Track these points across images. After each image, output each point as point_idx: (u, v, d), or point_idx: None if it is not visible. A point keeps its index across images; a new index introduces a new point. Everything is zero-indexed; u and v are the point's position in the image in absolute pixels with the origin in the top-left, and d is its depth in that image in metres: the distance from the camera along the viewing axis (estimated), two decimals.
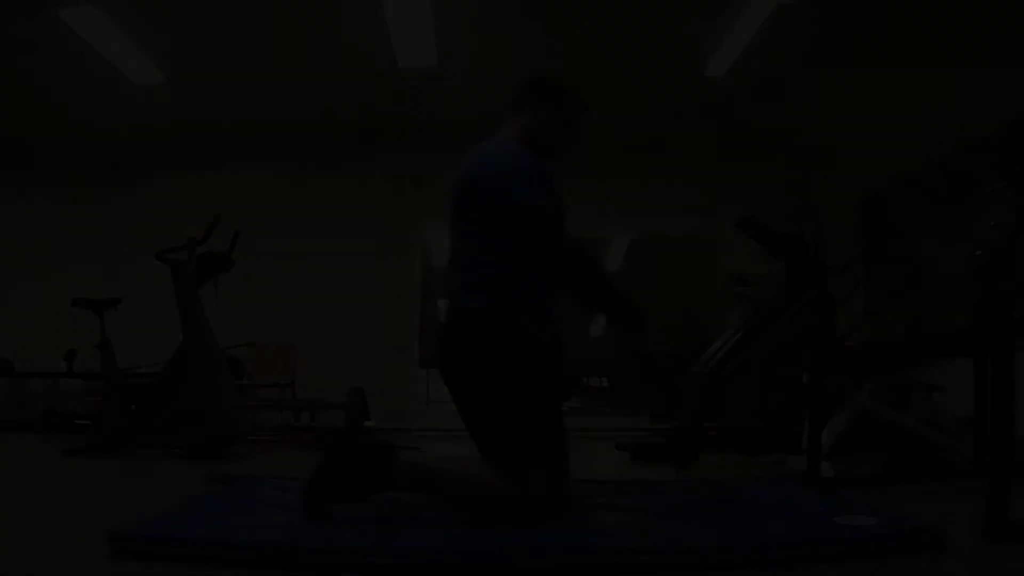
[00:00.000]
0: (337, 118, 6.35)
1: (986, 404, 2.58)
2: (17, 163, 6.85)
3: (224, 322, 4.63)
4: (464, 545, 1.44)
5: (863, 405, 2.98)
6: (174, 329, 3.86)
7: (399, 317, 6.39)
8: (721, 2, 4.51)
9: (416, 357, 6.26)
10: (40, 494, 2.51)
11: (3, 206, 7.02)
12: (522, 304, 1.80)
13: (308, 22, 4.75)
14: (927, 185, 5.47)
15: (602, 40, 5.00)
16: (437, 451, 3.66)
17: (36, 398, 6.55)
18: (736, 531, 1.59)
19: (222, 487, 2.27)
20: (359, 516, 1.69)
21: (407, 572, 1.37)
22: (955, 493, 2.48)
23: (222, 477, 2.56)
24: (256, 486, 2.18)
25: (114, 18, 4.55)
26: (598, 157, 6.10)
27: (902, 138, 5.82)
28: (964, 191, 5.05)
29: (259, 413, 5.12)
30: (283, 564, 1.37)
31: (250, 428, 3.93)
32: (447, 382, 1.86)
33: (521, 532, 1.53)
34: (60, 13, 4.40)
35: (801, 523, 1.68)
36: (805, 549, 1.45)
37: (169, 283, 3.92)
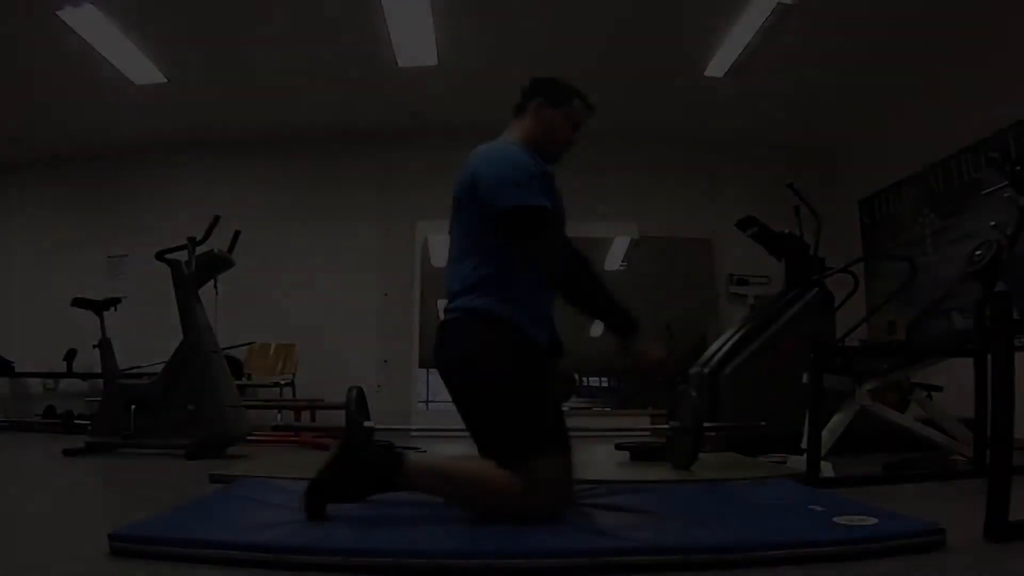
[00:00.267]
0: (337, 118, 6.35)
1: (986, 404, 2.58)
2: (17, 163, 6.86)
3: (224, 322, 4.65)
4: (464, 545, 1.44)
5: (863, 405, 2.97)
6: (174, 329, 3.86)
7: (399, 317, 6.39)
8: (721, 2, 4.52)
9: (416, 357, 6.26)
10: (40, 494, 2.52)
11: (3, 206, 7.02)
12: (520, 306, 1.80)
13: (308, 22, 4.75)
14: (927, 185, 5.47)
15: (602, 40, 5.00)
16: (437, 451, 3.66)
17: (36, 398, 6.56)
18: (736, 531, 1.59)
19: (222, 487, 2.27)
20: (359, 516, 1.69)
21: (407, 572, 1.37)
22: (955, 493, 2.48)
23: (222, 477, 2.57)
24: (256, 486, 2.18)
25: (114, 18, 4.55)
26: (598, 157, 6.12)
27: (902, 138, 5.82)
28: (964, 191, 5.05)
29: (259, 413, 5.12)
30: (282, 564, 1.37)
31: (250, 428, 3.93)
32: (446, 382, 1.86)
33: (521, 532, 1.54)
34: (60, 13, 4.40)
35: (801, 523, 1.68)
36: (805, 549, 1.44)
37: (169, 283, 3.92)
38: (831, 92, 5.64)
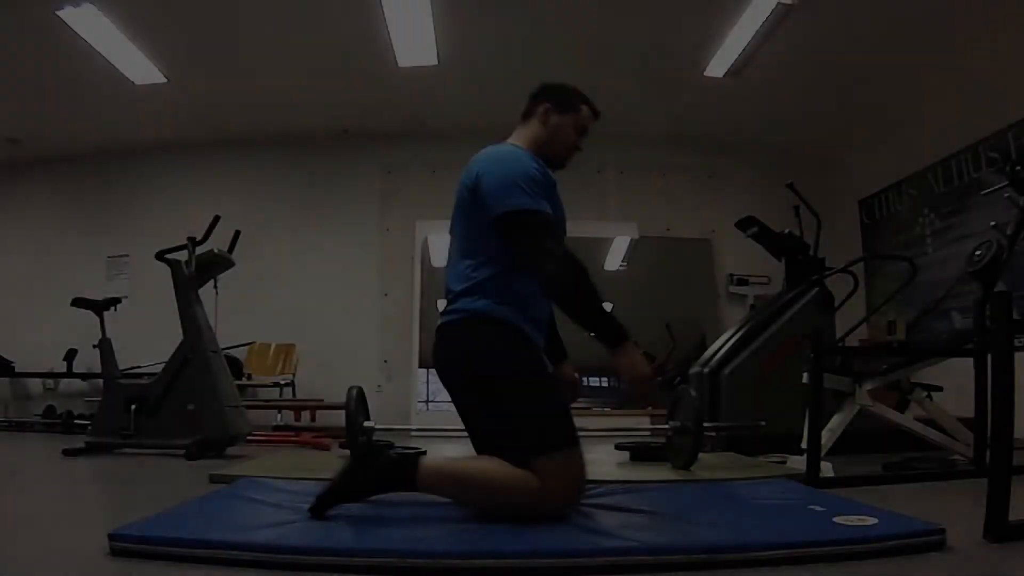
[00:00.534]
0: (337, 118, 6.35)
1: (986, 404, 2.58)
2: (17, 163, 6.86)
3: (224, 322, 4.65)
4: (464, 545, 1.44)
5: (863, 405, 2.97)
6: (174, 329, 3.86)
7: (399, 317, 6.39)
8: (721, 2, 4.51)
9: (416, 357, 6.26)
10: (40, 494, 2.52)
11: (4, 206, 7.02)
12: (519, 308, 1.80)
13: (308, 22, 4.75)
14: (927, 185, 5.47)
15: (602, 40, 5.00)
16: (437, 451, 3.66)
17: (36, 398, 6.56)
18: (736, 531, 1.59)
19: (222, 487, 2.27)
20: (359, 516, 1.69)
21: (407, 572, 1.37)
22: (955, 493, 2.48)
23: (222, 477, 2.57)
24: (256, 486, 2.17)
25: (114, 18, 4.55)
26: (598, 157, 6.13)
27: (902, 138, 5.83)
28: (964, 191, 5.05)
29: (259, 413, 5.12)
30: (282, 564, 1.37)
31: (250, 428, 3.93)
32: (448, 384, 1.86)
33: (521, 532, 1.54)
34: (60, 13, 4.40)
35: (801, 523, 1.68)
36: (805, 549, 1.44)
37: (169, 283, 3.92)
38: (831, 92, 5.64)
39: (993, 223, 3.13)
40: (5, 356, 6.44)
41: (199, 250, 3.93)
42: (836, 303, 4.12)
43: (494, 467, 1.69)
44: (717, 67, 5.26)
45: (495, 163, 1.83)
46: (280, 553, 1.39)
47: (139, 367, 5.35)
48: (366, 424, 2.87)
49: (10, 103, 5.74)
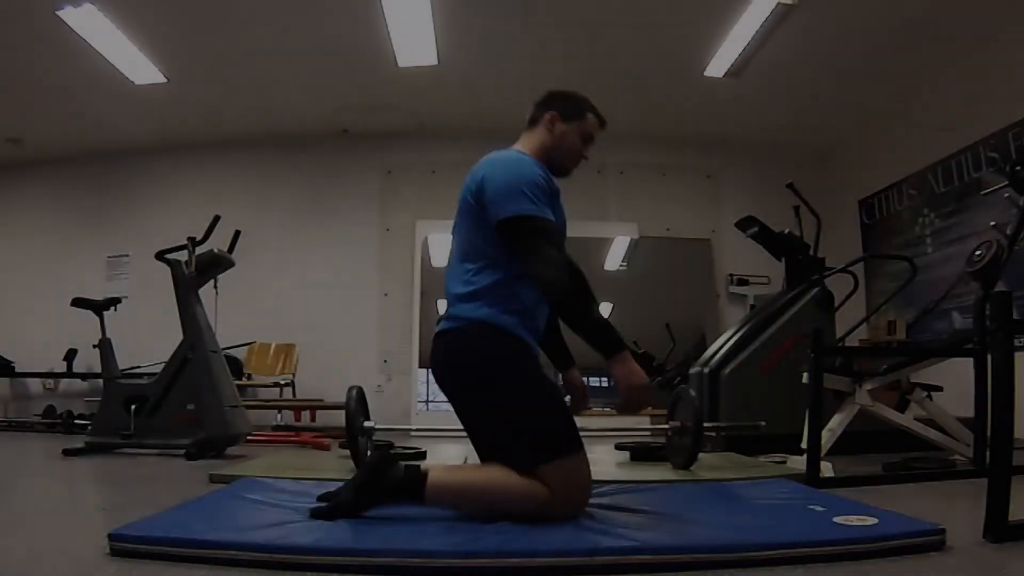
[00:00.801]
0: (337, 118, 6.35)
1: (986, 404, 2.58)
2: (17, 163, 6.86)
3: (224, 322, 4.65)
4: (464, 544, 1.44)
5: (863, 405, 2.97)
6: (174, 329, 3.87)
7: (399, 317, 6.40)
8: (721, 2, 4.51)
9: (416, 357, 6.26)
10: (40, 494, 2.52)
11: (4, 206, 7.03)
12: (521, 317, 1.80)
13: (308, 22, 4.75)
14: (927, 185, 5.47)
15: (602, 40, 5.00)
16: (437, 451, 3.66)
17: (36, 398, 6.57)
18: (736, 531, 1.59)
19: (222, 487, 2.27)
20: (359, 516, 1.69)
21: (407, 572, 1.37)
22: (955, 493, 2.48)
23: (222, 477, 2.57)
24: (256, 486, 2.18)
25: (114, 18, 4.55)
26: (598, 157, 6.12)
27: (902, 138, 5.83)
28: (964, 191, 5.05)
29: (259, 413, 5.12)
30: (282, 564, 1.37)
31: (250, 428, 3.93)
32: (450, 392, 1.84)
33: (521, 531, 1.54)
34: (60, 13, 4.40)
35: (801, 523, 1.68)
36: (805, 549, 1.44)
37: (169, 283, 3.92)
38: (831, 92, 5.64)
39: (993, 223, 3.14)
40: (5, 356, 6.45)
41: (199, 250, 3.93)
42: (836, 303, 4.12)
43: (501, 478, 1.69)
44: (717, 67, 5.26)
45: (500, 168, 1.82)
46: (280, 553, 1.39)
47: (139, 367, 5.35)
48: (366, 424, 2.87)
49: (10, 103, 5.74)
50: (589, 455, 1.75)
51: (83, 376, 6.26)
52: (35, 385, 6.64)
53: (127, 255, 6.59)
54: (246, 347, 6.16)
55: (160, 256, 3.93)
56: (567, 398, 2.04)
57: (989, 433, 1.91)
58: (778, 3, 4.38)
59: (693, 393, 2.88)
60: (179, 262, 3.93)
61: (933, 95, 5.37)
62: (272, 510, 1.80)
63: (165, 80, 5.40)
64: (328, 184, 6.72)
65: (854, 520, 1.63)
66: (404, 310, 6.40)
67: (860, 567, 1.39)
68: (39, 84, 5.42)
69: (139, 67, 5.18)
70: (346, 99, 6.00)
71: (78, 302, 4.20)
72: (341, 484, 1.77)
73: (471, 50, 5.15)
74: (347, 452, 2.88)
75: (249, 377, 6.04)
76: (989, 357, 1.82)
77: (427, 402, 6.26)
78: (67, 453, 3.65)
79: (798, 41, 4.82)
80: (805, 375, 2.71)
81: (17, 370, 6.46)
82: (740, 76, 5.34)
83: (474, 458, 1.92)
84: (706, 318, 6.47)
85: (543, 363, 1.88)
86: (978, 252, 2.95)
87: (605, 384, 6.99)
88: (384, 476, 1.70)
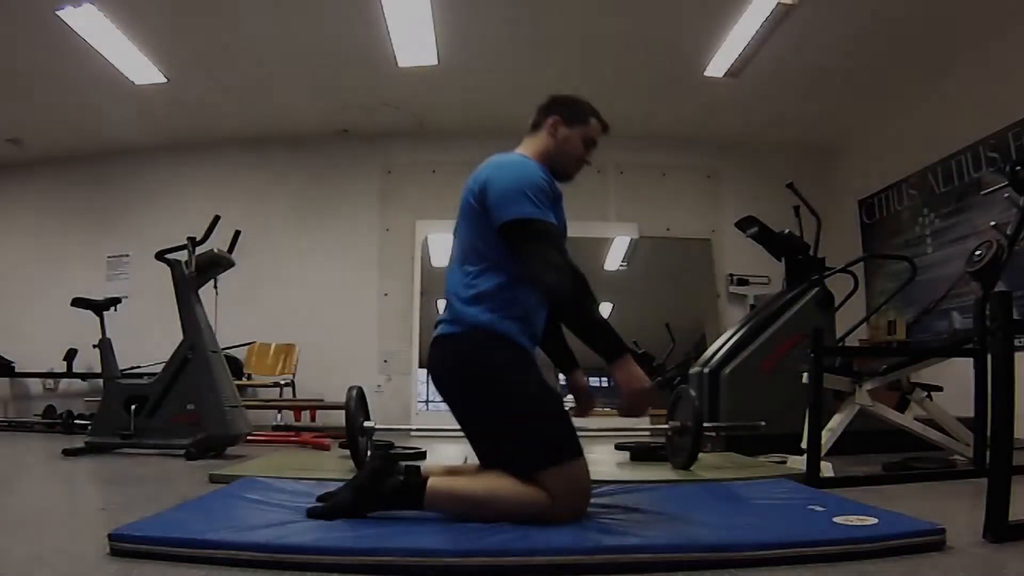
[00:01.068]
0: (337, 118, 6.36)
1: (986, 404, 2.58)
2: (17, 163, 6.86)
3: (224, 322, 4.65)
4: (464, 543, 1.44)
5: (863, 405, 2.97)
6: (174, 329, 3.87)
7: (399, 317, 6.40)
8: (721, 2, 4.51)
9: (416, 357, 6.26)
10: (40, 494, 2.52)
11: (4, 206, 7.03)
12: (521, 323, 1.80)
13: (308, 22, 4.75)
14: (927, 185, 5.47)
15: (602, 40, 5.00)
16: (437, 451, 3.66)
17: (36, 398, 6.57)
18: (736, 531, 1.59)
19: (222, 487, 2.27)
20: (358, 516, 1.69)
21: (407, 571, 1.37)
22: (955, 493, 2.48)
23: (222, 477, 2.57)
24: (256, 486, 2.18)
25: (114, 18, 4.55)
26: (598, 157, 6.12)
27: (902, 138, 5.83)
28: (964, 191, 5.06)
29: (259, 413, 5.12)
30: (282, 564, 1.37)
31: (250, 428, 3.93)
32: (444, 395, 1.84)
33: (521, 530, 1.54)
34: (60, 13, 4.40)
35: (801, 523, 1.68)
36: (805, 549, 1.44)
37: (169, 283, 3.92)
38: (831, 92, 5.64)
39: (993, 223, 3.14)
40: (5, 356, 6.45)
41: (199, 250, 3.93)
42: (836, 303, 4.12)
43: (501, 484, 1.69)
44: (717, 67, 5.25)
45: (503, 171, 1.81)
46: (280, 553, 1.39)
47: (139, 367, 5.35)
48: (366, 424, 2.87)
49: (10, 103, 5.75)
50: (589, 455, 1.75)
51: (83, 376, 6.26)
52: (35, 385, 6.64)
53: (127, 255, 6.59)
54: (246, 347, 6.16)
55: (160, 256, 3.93)
56: (571, 401, 2.04)
57: (989, 433, 1.91)
58: (778, 3, 4.38)
59: (693, 393, 2.88)
60: (179, 262, 3.92)
61: (933, 95, 5.37)
62: (272, 510, 1.80)
63: (165, 80, 5.40)
64: (328, 184, 6.72)
65: (854, 520, 1.63)
66: (404, 310, 6.40)
67: (860, 567, 1.39)
68: (39, 84, 5.42)
69: (139, 67, 5.18)
70: (346, 99, 6.00)
71: (78, 302, 4.20)
72: (341, 485, 1.77)
73: (471, 50, 5.15)
74: (347, 452, 2.88)
75: (249, 377, 6.04)
76: (989, 357, 1.82)
77: (427, 402, 6.26)
78: (67, 453, 3.65)
79: (798, 41, 4.82)
80: (805, 375, 2.71)
81: (17, 370, 6.46)
82: (740, 76, 5.33)
83: (474, 458, 1.92)
84: (706, 318, 6.47)
85: (543, 366, 1.87)
86: (978, 252, 2.95)
87: (605, 384, 7.00)
88: (383, 482, 1.70)
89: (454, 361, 1.82)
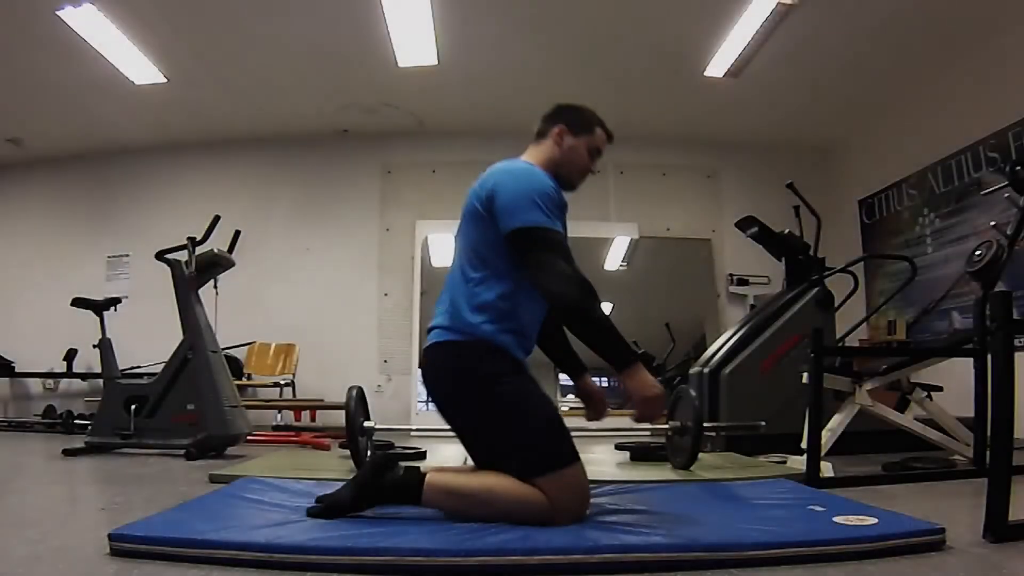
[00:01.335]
0: (337, 118, 6.36)
1: (986, 404, 2.58)
2: (17, 163, 6.86)
3: (224, 322, 4.65)
4: (464, 543, 1.44)
5: (863, 405, 2.97)
6: (174, 329, 3.87)
7: (399, 317, 6.40)
8: (721, 2, 4.51)
9: (416, 357, 6.26)
10: (40, 494, 2.51)
11: (4, 206, 7.03)
12: (518, 337, 1.80)
13: (308, 22, 4.75)
14: (927, 185, 5.47)
15: (602, 40, 5.00)
16: (437, 451, 3.66)
17: (36, 398, 6.57)
18: (736, 531, 1.59)
19: (222, 487, 2.27)
20: (358, 515, 1.69)
21: (406, 572, 1.37)
22: (955, 493, 2.48)
23: (222, 477, 2.57)
24: (256, 486, 2.18)
25: (114, 18, 4.55)
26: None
27: (902, 138, 5.83)
28: (964, 191, 5.06)
29: (259, 413, 5.13)
30: (282, 564, 1.37)
31: (250, 428, 3.93)
32: (438, 403, 1.84)
33: (521, 530, 1.54)
34: (60, 13, 4.40)
35: (801, 523, 1.68)
36: (805, 549, 1.45)
37: (169, 283, 3.92)
38: (831, 92, 5.64)
39: (993, 223, 3.14)
40: (5, 356, 6.44)
41: (199, 250, 3.93)
42: (836, 303, 4.12)
43: (501, 484, 1.69)
44: (717, 67, 5.25)
45: (512, 178, 1.80)
46: (280, 552, 1.39)
47: (139, 367, 5.35)
48: (366, 424, 2.87)
49: (10, 103, 5.75)
50: (589, 455, 1.75)
51: (83, 376, 6.26)
52: (35, 385, 6.64)
53: (127, 255, 6.60)
54: (246, 347, 6.16)
55: (160, 256, 3.93)
56: (577, 403, 2.03)
57: (989, 433, 1.91)
58: (778, 3, 4.38)
59: (693, 393, 2.88)
60: (179, 262, 3.93)
61: (933, 95, 5.37)
62: (272, 510, 1.80)
63: (165, 80, 5.40)
64: (328, 184, 6.72)
65: (854, 520, 1.63)
66: (404, 310, 6.40)
67: (860, 567, 1.39)
68: (39, 84, 5.42)
69: (139, 67, 5.18)
70: (346, 99, 6.00)
71: (78, 302, 4.20)
72: (341, 485, 1.77)
73: (471, 50, 5.15)
74: (347, 452, 2.88)
75: (249, 377, 6.04)
76: (989, 357, 1.82)
77: (427, 402, 6.26)
78: (67, 453, 3.65)
79: (798, 41, 4.82)
80: (805, 375, 2.71)
81: (17, 370, 6.46)
82: (740, 76, 5.33)
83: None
84: (706, 318, 6.47)
85: (541, 365, 1.87)
86: (978, 252, 2.95)
87: (605, 383, 7.00)
88: (383, 476, 1.71)
89: (448, 369, 1.81)
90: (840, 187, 6.45)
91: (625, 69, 5.36)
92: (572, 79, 5.23)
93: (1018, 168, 2.85)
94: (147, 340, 5.19)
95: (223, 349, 4.13)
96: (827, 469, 2.67)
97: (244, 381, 5.83)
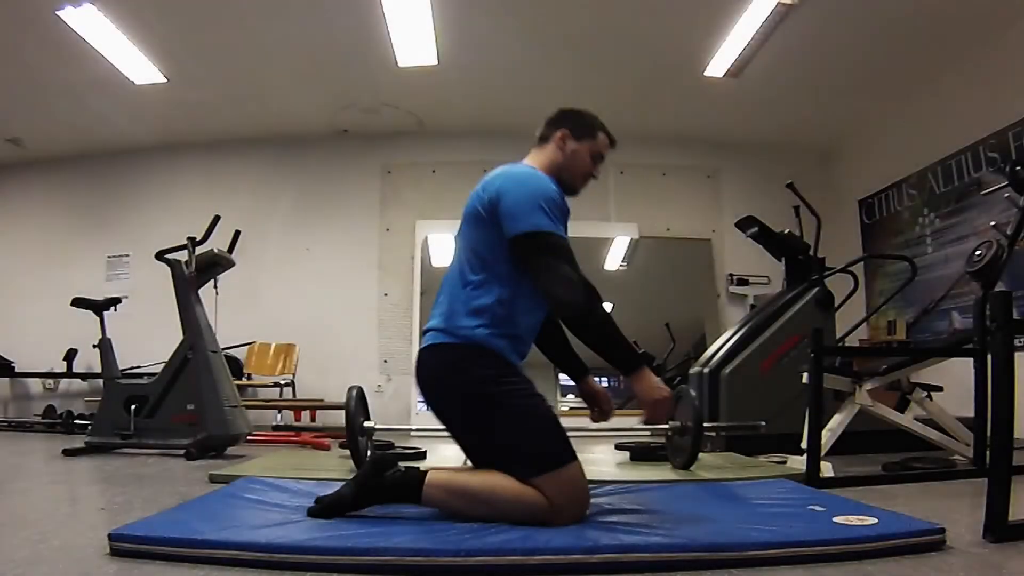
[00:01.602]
0: (337, 118, 6.36)
1: (986, 404, 2.58)
2: (17, 163, 6.86)
3: (224, 322, 4.65)
4: (464, 543, 1.44)
5: (863, 405, 2.97)
6: (174, 329, 3.87)
7: (399, 317, 6.40)
8: (721, 2, 4.51)
9: (416, 357, 6.26)
10: (40, 494, 2.51)
11: (4, 206, 7.03)
12: (514, 342, 1.80)
13: (308, 22, 4.75)
14: (927, 185, 5.47)
15: (602, 40, 5.00)
16: (437, 451, 3.66)
17: (36, 398, 6.57)
18: (736, 531, 1.59)
19: (222, 487, 2.27)
20: (358, 515, 1.69)
21: (406, 572, 1.37)
22: (955, 493, 2.48)
23: (222, 477, 2.57)
24: (256, 486, 2.18)
25: (114, 18, 4.55)
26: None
27: (902, 138, 5.83)
28: (964, 191, 5.06)
29: (259, 413, 5.13)
30: (282, 564, 1.37)
31: (250, 428, 3.93)
32: (432, 405, 1.84)
33: (521, 530, 1.54)
34: (60, 13, 4.40)
35: (801, 523, 1.68)
36: (805, 549, 1.45)
37: (169, 283, 3.92)
38: (831, 92, 5.64)
39: (993, 223, 3.14)
40: (5, 356, 6.44)
41: (199, 250, 3.93)
42: (836, 303, 4.12)
43: (501, 484, 1.69)
44: (717, 67, 5.25)
45: (517, 182, 1.80)
46: (280, 552, 1.39)
47: (139, 367, 5.35)
48: (366, 424, 2.87)
49: (10, 103, 5.74)
50: (589, 455, 1.76)
51: (83, 376, 6.26)
52: (35, 385, 6.64)
53: (127, 255, 6.60)
54: (246, 347, 6.16)
55: (160, 256, 3.93)
56: (579, 404, 2.03)
57: (989, 433, 1.91)
58: (778, 3, 4.38)
59: (693, 393, 2.88)
60: (179, 262, 3.93)
61: (933, 95, 5.37)
62: (272, 510, 1.80)
63: (165, 80, 5.40)
64: (328, 184, 6.72)
65: (854, 520, 1.63)
66: (404, 310, 6.40)
67: (860, 567, 1.39)
68: (39, 84, 5.42)
69: (139, 67, 5.18)
70: (346, 99, 6.00)
71: (78, 302, 4.20)
72: (341, 484, 1.77)
73: (471, 50, 5.15)
74: (347, 452, 2.88)
75: (249, 377, 6.04)
76: (989, 357, 1.82)
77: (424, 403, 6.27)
78: (67, 453, 3.65)
79: (798, 41, 4.82)
80: (805, 375, 2.71)
81: (17, 370, 6.46)
82: (740, 76, 5.33)
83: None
84: (706, 318, 6.47)
85: (540, 365, 1.87)
86: (978, 252, 2.95)
87: (605, 383, 7.00)
88: (383, 475, 1.71)
89: (442, 372, 1.82)
90: (840, 187, 6.46)
91: (625, 69, 5.36)
92: (572, 79, 5.23)
93: (1018, 168, 2.85)
94: (147, 340, 5.19)
95: (223, 349, 4.14)
96: (827, 469, 2.67)
97: (244, 381, 5.83)
